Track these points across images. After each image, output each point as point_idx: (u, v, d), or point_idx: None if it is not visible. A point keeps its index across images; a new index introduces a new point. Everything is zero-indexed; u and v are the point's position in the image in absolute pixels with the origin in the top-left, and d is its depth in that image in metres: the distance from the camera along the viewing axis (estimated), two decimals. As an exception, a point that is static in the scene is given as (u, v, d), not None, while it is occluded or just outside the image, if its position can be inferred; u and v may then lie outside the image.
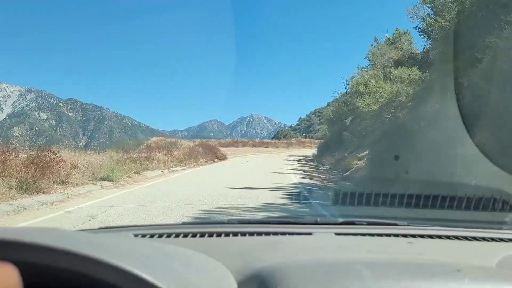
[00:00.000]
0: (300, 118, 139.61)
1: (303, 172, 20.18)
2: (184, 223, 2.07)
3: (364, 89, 19.99)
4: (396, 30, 33.05)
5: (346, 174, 18.40)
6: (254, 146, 50.61)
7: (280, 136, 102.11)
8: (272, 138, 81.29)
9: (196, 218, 6.94)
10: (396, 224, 1.73)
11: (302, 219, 2.01)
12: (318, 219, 1.79)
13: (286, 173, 18.98)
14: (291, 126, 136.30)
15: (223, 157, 29.93)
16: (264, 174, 17.49)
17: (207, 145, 32.84)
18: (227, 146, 45.71)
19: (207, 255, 1.00)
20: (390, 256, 1.22)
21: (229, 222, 1.76)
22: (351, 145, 26.38)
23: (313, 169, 23.86)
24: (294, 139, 65.80)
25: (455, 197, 4.44)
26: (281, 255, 1.14)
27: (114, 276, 0.62)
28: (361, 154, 20.96)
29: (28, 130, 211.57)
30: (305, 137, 79.21)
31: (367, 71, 29.79)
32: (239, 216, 5.89)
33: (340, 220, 1.78)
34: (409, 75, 19.08)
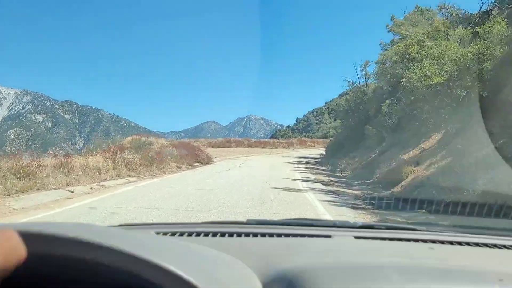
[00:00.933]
0: (297, 118, 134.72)
1: (323, 187, 12.53)
2: (204, 222, 1.79)
3: (418, 53, 12.28)
4: (416, 7, 27.38)
5: (397, 189, 10.85)
6: (249, 146, 42.16)
7: (278, 136, 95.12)
8: (270, 138, 73.29)
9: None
10: (415, 229, 1.65)
11: (321, 221, 2.01)
12: (337, 222, 1.74)
13: (299, 189, 11.38)
14: (288, 126, 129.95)
15: (207, 160, 22.22)
16: (259, 194, 9.88)
17: (186, 145, 25.03)
18: (218, 147, 38.17)
19: (230, 255, 0.96)
20: (414, 261, 1.14)
21: (248, 222, 1.71)
22: (378, 142, 18.78)
23: (333, 179, 15.97)
24: (294, 138, 57.85)
25: None
26: (304, 257, 1.12)
27: (148, 272, 0.62)
28: (409, 155, 13.40)
29: (24, 132, 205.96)
30: (305, 136, 70.80)
31: (393, 46, 22.40)
32: None
33: (359, 223, 1.75)
34: (489, 28, 11.45)
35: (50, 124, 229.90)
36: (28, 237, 0.63)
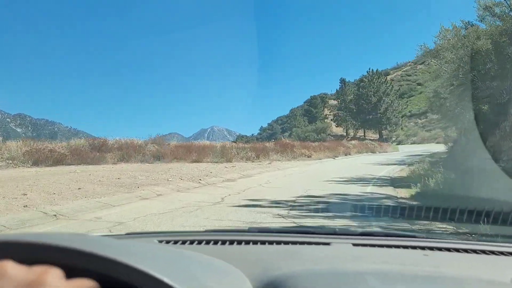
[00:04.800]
0: (261, 127, 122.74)
1: None
2: (207, 231, 1.73)
3: None
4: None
5: None
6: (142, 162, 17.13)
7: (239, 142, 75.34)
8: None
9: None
10: (414, 237, 1.62)
11: (321, 229, 1.85)
12: (337, 229, 1.70)
13: None
14: (252, 135, 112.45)
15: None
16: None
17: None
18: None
19: (227, 262, 0.95)
20: (403, 267, 1.13)
21: (250, 230, 1.70)
22: None
23: None
24: (271, 142, 31.71)
25: None
26: (298, 264, 1.10)
27: (136, 279, 0.61)
28: None
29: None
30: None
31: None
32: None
33: (359, 231, 1.68)
34: None
35: (0, 138, 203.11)
36: (17, 246, 0.61)
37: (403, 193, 10.50)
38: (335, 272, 1.01)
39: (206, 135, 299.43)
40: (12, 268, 0.51)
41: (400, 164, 21.08)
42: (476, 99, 13.53)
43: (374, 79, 61.52)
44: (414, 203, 8.72)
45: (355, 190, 10.75)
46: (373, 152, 36.68)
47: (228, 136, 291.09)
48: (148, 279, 0.61)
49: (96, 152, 16.96)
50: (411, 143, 56.64)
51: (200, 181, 11.86)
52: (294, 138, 42.13)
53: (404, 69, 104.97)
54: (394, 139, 59.81)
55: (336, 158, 27.88)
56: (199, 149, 20.46)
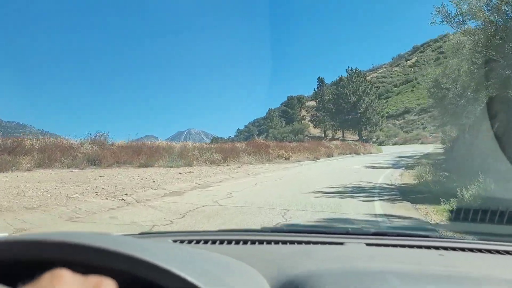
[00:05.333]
0: (238, 129, 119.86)
1: None
2: (220, 230, 1.67)
3: None
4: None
5: None
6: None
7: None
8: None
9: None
10: (428, 236, 1.56)
11: (334, 229, 1.78)
12: (350, 229, 1.64)
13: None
14: (229, 137, 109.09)
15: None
16: None
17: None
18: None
19: (243, 262, 0.94)
20: (420, 267, 1.10)
21: (263, 230, 1.66)
22: None
23: None
24: (242, 142, 27.41)
25: None
26: (314, 264, 1.07)
27: (159, 277, 0.60)
28: None
29: None
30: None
31: None
32: None
33: (372, 230, 1.63)
34: None
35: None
36: (37, 245, 0.61)
37: (432, 213, 6.81)
38: (353, 272, 0.98)
39: (183, 137, 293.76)
40: (68, 275, 0.51)
41: (395, 168, 17.51)
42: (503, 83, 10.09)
43: (354, 78, 58.55)
44: (466, 235, 5.05)
45: (358, 209, 6.98)
46: (357, 153, 33.12)
47: (205, 139, 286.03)
48: (170, 277, 0.60)
49: (7, 155, 12.66)
50: (393, 144, 53.79)
51: (125, 198, 7.81)
52: (270, 139, 38.28)
53: (379, 71, 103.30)
54: (374, 139, 56.85)
55: (317, 160, 24.16)
56: (152, 150, 16.33)
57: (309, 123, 67.89)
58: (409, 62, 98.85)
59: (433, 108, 19.63)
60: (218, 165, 16.71)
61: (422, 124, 62.94)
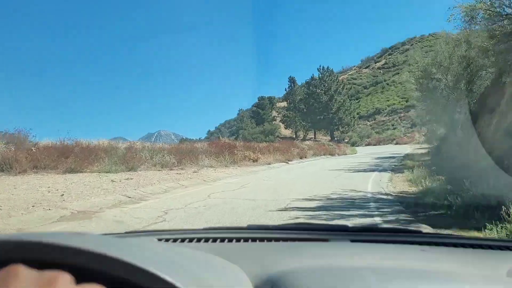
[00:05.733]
0: (209, 131, 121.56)
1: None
2: (205, 229, 1.63)
3: None
4: None
5: None
6: None
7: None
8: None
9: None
10: (412, 232, 1.60)
11: (319, 225, 1.80)
12: (335, 225, 1.69)
13: None
14: (199, 139, 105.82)
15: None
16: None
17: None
18: None
19: (226, 259, 0.92)
20: (400, 262, 1.08)
21: (249, 228, 1.61)
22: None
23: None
24: (204, 142, 25.63)
25: None
26: (296, 261, 1.04)
27: (137, 277, 0.60)
28: None
29: None
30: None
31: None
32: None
33: (357, 227, 1.65)
34: None
35: None
36: (22, 245, 0.60)
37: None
38: (332, 269, 0.98)
39: (153, 139, 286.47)
40: (23, 272, 0.50)
41: (380, 171, 15.03)
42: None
43: (325, 77, 56.61)
44: None
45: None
46: (331, 154, 30.68)
47: (176, 140, 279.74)
48: (148, 276, 0.59)
49: None
50: (366, 145, 52.07)
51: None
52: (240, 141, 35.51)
53: (349, 73, 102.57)
54: (347, 140, 55.03)
55: (289, 162, 21.49)
56: (86, 152, 13.12)
57: (280, 123, 65.59)
58: (378, 64, 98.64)
59: (420, 102, 17.31)
60: (171, 169, 13.70)
61: (392, 125, 61.98)
